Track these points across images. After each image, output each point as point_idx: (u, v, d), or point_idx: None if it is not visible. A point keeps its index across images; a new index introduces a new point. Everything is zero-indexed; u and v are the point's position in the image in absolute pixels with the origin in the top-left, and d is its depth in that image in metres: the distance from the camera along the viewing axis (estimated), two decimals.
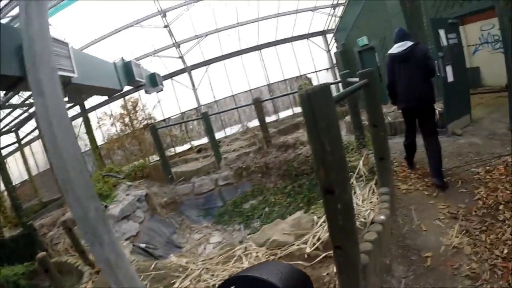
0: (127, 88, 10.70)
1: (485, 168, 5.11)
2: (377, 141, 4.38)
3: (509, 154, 5.16)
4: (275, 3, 14.40)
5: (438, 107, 7.49)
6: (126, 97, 14.85)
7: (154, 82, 12.95)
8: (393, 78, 5.07)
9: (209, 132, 10.51)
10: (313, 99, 2.15)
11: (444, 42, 7.51)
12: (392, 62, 5.04)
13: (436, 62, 5.96)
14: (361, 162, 5.60)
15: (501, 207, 4.09)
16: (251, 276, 0.88)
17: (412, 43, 4.80)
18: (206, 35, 15.14)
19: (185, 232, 8.49)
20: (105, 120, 14.69)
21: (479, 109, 8.24)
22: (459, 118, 7.48)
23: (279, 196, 8.37)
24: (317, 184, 6.23)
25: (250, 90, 16.57)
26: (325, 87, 2.21)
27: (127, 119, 14.37)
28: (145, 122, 14.46)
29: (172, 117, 15.99)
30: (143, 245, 6.86)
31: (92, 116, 14.45)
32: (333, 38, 16.63)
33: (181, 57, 15.32)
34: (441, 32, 7.51)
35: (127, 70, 10.63)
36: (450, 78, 7.34)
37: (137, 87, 12.13)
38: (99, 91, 9.82)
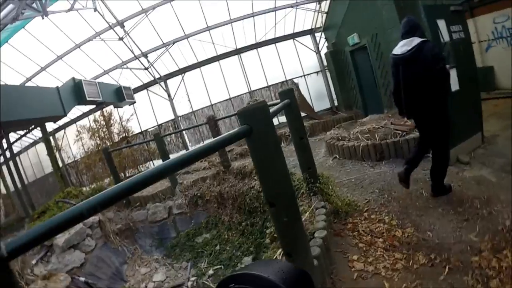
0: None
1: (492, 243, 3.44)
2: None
3: None
4: (247, 2, 12.78)
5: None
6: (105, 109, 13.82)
7: (120, 96, 12.26)
8: (399, 83, 4.31)
9: (163, 156, 9.17)
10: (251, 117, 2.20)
11: (445, 37, 5.85)
12: (395, 64, 4.29)
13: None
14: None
15: None
16: (252, 274, 0.87)
17: (420, 40, 4.01)
18: (174, 42, 13.63)
19: (135, 264, 8.00)
20: (83, 134, 13.85)
21: (493, 122, 6.64)
22: (467, 139, 5.96)
23: (233, 232, 7.57)
24: (267, 228, 5.86)
25: (230, 98, 15.20)
26: (263, 106, 2.26)
27: (102, 133, 13.53)
28: (123, 135, 13.81)
29: (149, 129, 15.00)
30: (82, 279, 6.57)
31: (72, 128, 14.51)
32: (321, 36, 15.02)
33: (147, 69, 13.82)
34: (441, 24, 5.86)
35: (77, 91, 10.35)
36: (455, 86, 5.62)
37: (99, 104, 11.72)
38: (27, 124, 9.71)
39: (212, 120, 8.33)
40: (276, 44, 15.13)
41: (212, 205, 8.27)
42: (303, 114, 14.68)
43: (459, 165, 5.49)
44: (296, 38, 15.22)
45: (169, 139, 14.94)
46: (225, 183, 8.07)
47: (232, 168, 8.27)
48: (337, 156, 7.74)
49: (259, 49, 15.11)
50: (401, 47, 4.15)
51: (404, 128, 7.20)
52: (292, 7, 13.30)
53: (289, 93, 4.21)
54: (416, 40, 4.00)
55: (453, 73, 5.65)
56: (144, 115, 15.03)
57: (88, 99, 10.51)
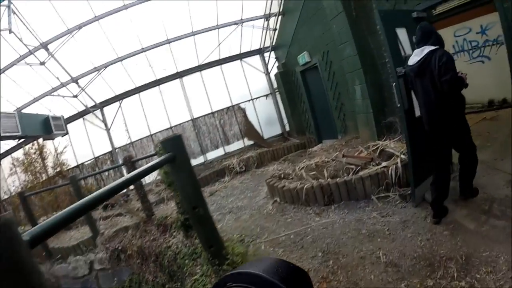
0: None
1: None
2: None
3: None
4: (186, 20, 11.37)
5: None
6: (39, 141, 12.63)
7: (48, 127, 10.73)
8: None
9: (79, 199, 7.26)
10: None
11: (407, 49, 4.80)
12: (408, 77, 4.12)
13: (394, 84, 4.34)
14: None
15: None
16: (249, 272, 0.86)
17: (431, 48, 3.68)
18: (106, 66, 11.92)
19: None
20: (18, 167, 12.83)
21: None
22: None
23: None
24: None
25: (171, 127, 13.65)
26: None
27: (35, 166, 12.56)
28: (58, 169, 12.70)
29: (86, 163, 13.40)
30: None
31: (7, 160, 13.11)
32: (269, 56, 13.90)
33: (76, 96, 12.08)
34: (401, 33, 4.83)
35: None
36: (419, 110, 4.50)
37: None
38: None
39: (129, 161, 7.16)
40: (222, 66, 13.84)
41: (135, 260, 7.04)
42: (251, 143, 13.67)
43: (426, 206, 4.50)
44: (244, 59, 14.01)
45: (107, 174, 13.45)
46: (147, 236, 6.87)
47: (155, 218, 7.00)
48: (278, 200, 6.54)
49: (202, 71, 13.74)
50: (413, 58, 3.92)
51: (358, 162, 5.99)
52: (236, 24, 12.03)
53: (175, 143, 3.18)
54: (427, 49, 3.71)
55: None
56: (80, 146, 13.32)
57: (2, 134, 9.09)
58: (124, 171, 10.12)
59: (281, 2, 10.85)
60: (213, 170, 11.69)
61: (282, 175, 7.08)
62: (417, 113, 4.63)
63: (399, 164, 5.31)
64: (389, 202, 5.04)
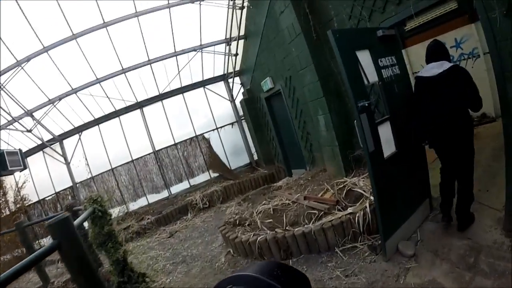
0: None
1: None
2: None
3: None
4: (141, 48, 10.53)
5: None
6: None
7: (3, 163, 9.80)
8: (420, 110, 4.06)
9: (28, 248, 7.19)
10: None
11: (370, 76, 4.13)
12: (422, 87, 3.98)
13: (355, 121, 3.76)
14: None
15: None
16: (249, 275, 0.85)
17: (451, 64, 3.73)
18: (61, 98, 10.98)
19: None
20: None
21: (436, 173, 4.60)
22: (410, 216, 4.35)
23: None
24: None
25: (132, 160, 12.76)
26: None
27: None
28: (19, 205, 11.85)
29: (47, 198, 12.42)
30: None
31: None
32: (233, 82, 13.09)
33: (30, 131, 11.10)
34: (363, 57, 4.10)
35: None
36: (389, 148, 4.06)
37: None
38: None
39: (71, 210, 6.48)
40: (184, 94, 13.00)
41: None
42: (216, 175, 12.75)
43: (400, 260, 3.84)
44: (207, 86, 13.17)
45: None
46: None
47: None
48: (232, 252, 5.81)
49: (164, 101, 12.90)
50: (431, 69, 3.82)
51: (321, 206, 5.11)
52: (195, 50, 11.17)
53: (62, 226, 2.29)
54: (447, 63, 3.74)
55: (385, 131, 4.02)
56: (41, 180, 12.35)
57: None
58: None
59: (240, 25, 10.07)
60: (175, 206, 10.91)
61: (238, 221, 6.25)
62: (386, 153, 3.86)
63: (367, 209, 4.59)
64: (357, 255, 4.33)
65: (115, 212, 12.09)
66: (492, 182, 4.30)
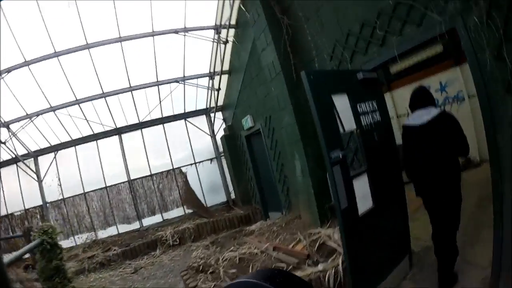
0: None
1: None
2: None
3: None
4: (122, 74, 10.18)
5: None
6: None
7: None
8: (412, 158, 3.83)
9: None
10: None
11: (347, 124, 3.79)
12: (410, 136, 3.87)
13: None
14: None
15: None
16: (252, 282, 0.84)
17: (438, 110, 3.69)
18: (38, 114, 10.61)
19: None
20: None
21: (422, 220, 4.39)
22: (386, 278, 3.83)
23: None
24: None
25: (105, 187, 12.18)
26: None
27: None
28: None
29: (16, 213, 11.88)
30: None
31: None
32: (215, 117, 12.70)
33: (4, 143, 10.72)
34: (340, 102, 3.73)
35: None
36: (366, 204, 3.62)
37: None
38: None
39: (28, 234, 6.29)
40: (164, 124, 12.57)
41: None
42: (190, 211, 12.16)
43: None
44: (188, 119, 12.76)
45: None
46: None
47: None
48: None
49: (143, 129, 12.46)
50: (420, 117, 3.67)
51: (291, 259, 4.65)
52: (178, 82, 10.83)
53: None
54: (434, 110, 3.65)
55: (361, 185, 3.62)
56: (12, 194, 11.82)
57: None
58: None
59: (223, 60, 9.79)
60: (145, 240, 10.30)
61: (202, 267, 5.70)
62: (362, 209, 3.44)
63: (340, 267, 4.16)
64: None
65: (82, 238, 11.84)
66: (477, 235, 4.01)
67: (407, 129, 3.88)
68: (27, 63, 8.76)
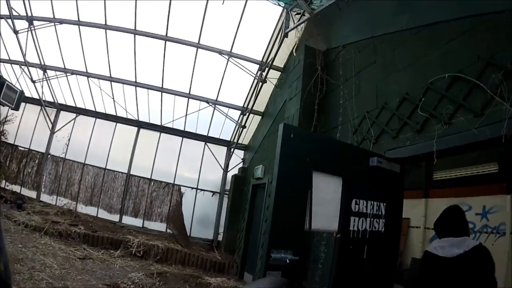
0: None
1: None
2: None
3: None
4: (157, 72, 9.77)
5: None
6: None
7: None
8: None
9: None
10: None
11: (325, 221, 2.77)
12: (432, 268, 2.82)
13: None
14: None
15: None
16: None
17: (475, 243, 2.80)
18: (73, 73, 10.69)
19: None
20: None
21: None
22: None
23: None
24: None
25: (105, 168, 11.90)
26: None
27: None
28: None
29: (20, 147, 12.19)
30: None
31: None
32: (232, 152, 11.77)
33: (34, 82, 10.92)
34: (325, 185, 2.75)
35: None
36: None
37: None
38: None
39: None
40: (184, 138, 11.80)
41: None
42: (170, 231, 10.98)
43: None
44: (209, 143, 11.86)
45: None
46: None
47: None
48: None
49: (163, 133, 11.83)
50: (450, 247, 2.69)
51: None
52: (208, 103, 10.10)
53: None
54: (470, 241, 2.72)
55: None
56: (23, 130, 12.18)
57: None
58: None
59: (256, 99, 8.85)
60: (112, 236, 9.44)
61: None
62: None
63: None
64: None
65: (63, 202, 11.42)
66: None
67: (432, 259, 2.86)
68: (79, 23, 8.82)
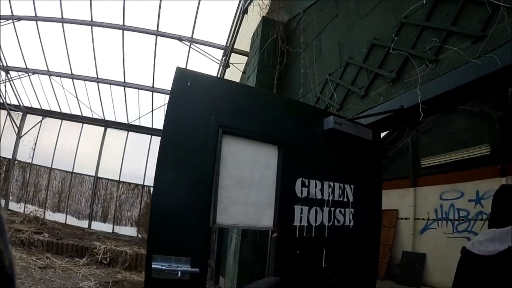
0: None
1: None
2: None
3: None
4: (117, 66, 8.84)
5: None
6: None
7: None
8: None
9: None
10: None
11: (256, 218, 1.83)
12: (472, 271, 1.96)
13: None
14: None
15: None
16: None
17: None
18: (35, 73, 9.73)
19: None
20: None
21: None
22: None
23: None
24: None
25: (71, 172, 11.00)
26: None
27: None
28: None
29: None
30: None
31: None
32: None
33: None
34: (247, 158, 1.78)
35: None
36: None
37: None
38: None
39: None
40: (153, 136, 10.90)
41: None
42: (145, 236, 9.96)
43: None
44: None
45: None
46: None
47: None
48: None
49: (130, 132, 11.12)
50: (490, 243, 1.85)
51: None
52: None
53: None
54: None
55: None
56: None
57: None
58: None
59: None
60: (77, 243, 8.46)
61: None
62: None
63: None
64: None
65: (30, 210, 10.58)
66: None
67: (467, 259, 2.00)
68: (36, 18, 7.89)
